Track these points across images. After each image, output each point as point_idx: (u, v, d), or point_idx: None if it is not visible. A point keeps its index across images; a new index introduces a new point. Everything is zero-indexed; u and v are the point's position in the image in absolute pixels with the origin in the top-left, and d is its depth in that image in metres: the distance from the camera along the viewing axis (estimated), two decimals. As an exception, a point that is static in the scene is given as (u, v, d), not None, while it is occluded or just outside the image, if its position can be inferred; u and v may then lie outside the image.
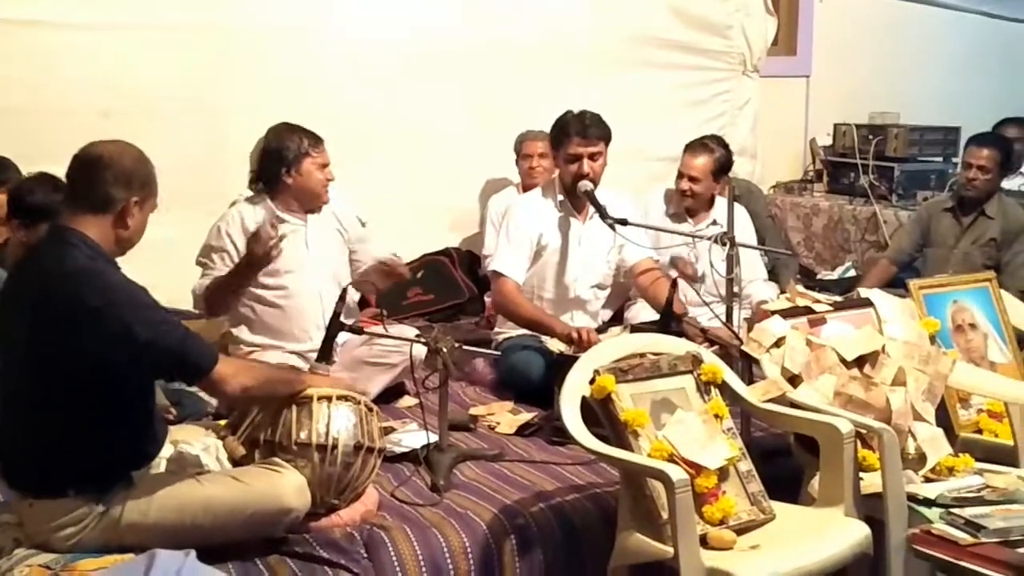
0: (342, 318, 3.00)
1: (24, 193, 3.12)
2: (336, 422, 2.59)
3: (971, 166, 4.32)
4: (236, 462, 2.60)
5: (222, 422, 2.85)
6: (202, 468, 2.54)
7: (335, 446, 2.56)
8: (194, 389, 3.04)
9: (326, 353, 2.85)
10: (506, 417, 3.48)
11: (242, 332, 3.50)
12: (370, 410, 2.70)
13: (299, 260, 3.46)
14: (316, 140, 3.50)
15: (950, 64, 6.41)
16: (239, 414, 2.70)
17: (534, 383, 3.59)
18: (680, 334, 3.22)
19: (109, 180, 2.30)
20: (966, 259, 4.26)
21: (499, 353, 3.69)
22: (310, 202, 3.52)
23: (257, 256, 3.21)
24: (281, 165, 3.45)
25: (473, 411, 3.54)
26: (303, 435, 2.55)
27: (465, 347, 3.18)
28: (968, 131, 4.76)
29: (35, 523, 2.32)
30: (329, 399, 2.61)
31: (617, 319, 4.25)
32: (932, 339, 3.07)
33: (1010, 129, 5.91)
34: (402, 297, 4.76)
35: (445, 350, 2.96)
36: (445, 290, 4.88)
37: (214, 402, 3.26)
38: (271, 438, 2.57)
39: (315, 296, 3.46)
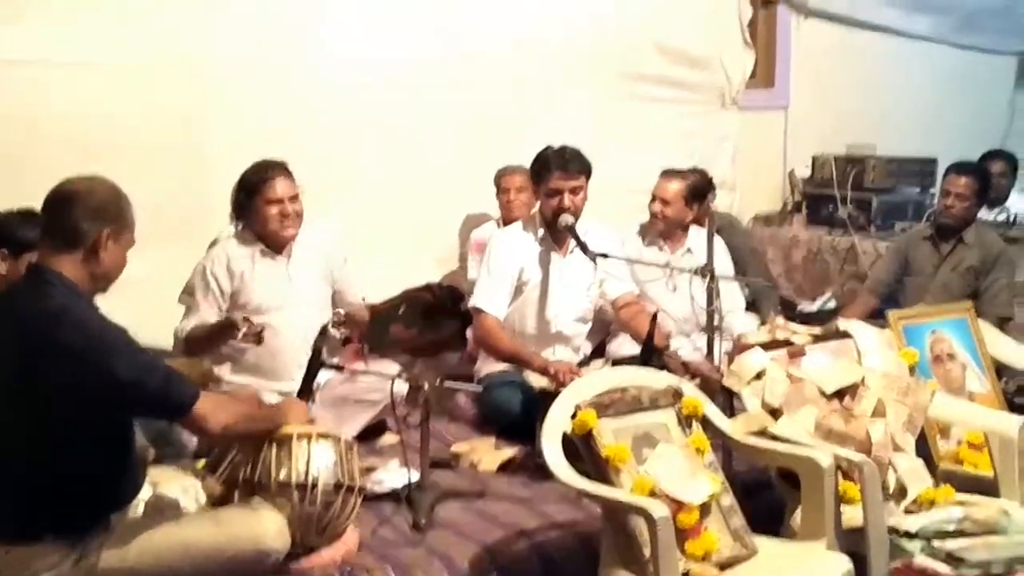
0: (325, 354, 2.99)
1: (10, 227, 3.10)
2: (316, 461, 2.58)
3: (949, 193, 4.36)
4: (215, 502, 2.58)
5: (201, 462, 2.82)
6: (180, 510, 2.52)
7: (315, 485, 2.54)
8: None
9: (306, 391, 2.84)
10: (488, 454, 3.46)
11: (223, 371, 3.48)
12: (350, 448, 2.69)
13: (281, 297, 3.45)
14: (267, 174, 3.42)
15: (925, 96, 6.49)
16: (218, 454, 2.68)
17: (516, 419, 3.58)
18: (662, 367, 3.22)
19: (79, 214, 2.30)
20: (945, 287, 4.29)
21: (480, 389, 3.68)
22: (270, 239, 3.50)
23: (233, 331, 3.22)
24: (244, 200, 3.44)
25: (455, 448, 3.53)
26: (283, 474, 2.53)
27: (446, 383, 3.17)
28: (944, 162, 4.81)
29: (11, 571, 2.29)
30: (309, 437, 2.60)
31: (599, 352, 4.25)
32: (911, 370, 3.09)
33: (995, 164, 6.00)
34: (384, 333, 4.74)
35: (426, 387, 2.95)
36: (427, 326, 4.86)
37: (195, 442, 3.23)
38: (250, 477, 2.55)
39: (298, 334, 3.44)
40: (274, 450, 2.56)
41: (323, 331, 3.00)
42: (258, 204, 3.43)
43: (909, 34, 6.40)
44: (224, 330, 3.28)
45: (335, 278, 3.63)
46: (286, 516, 2.48)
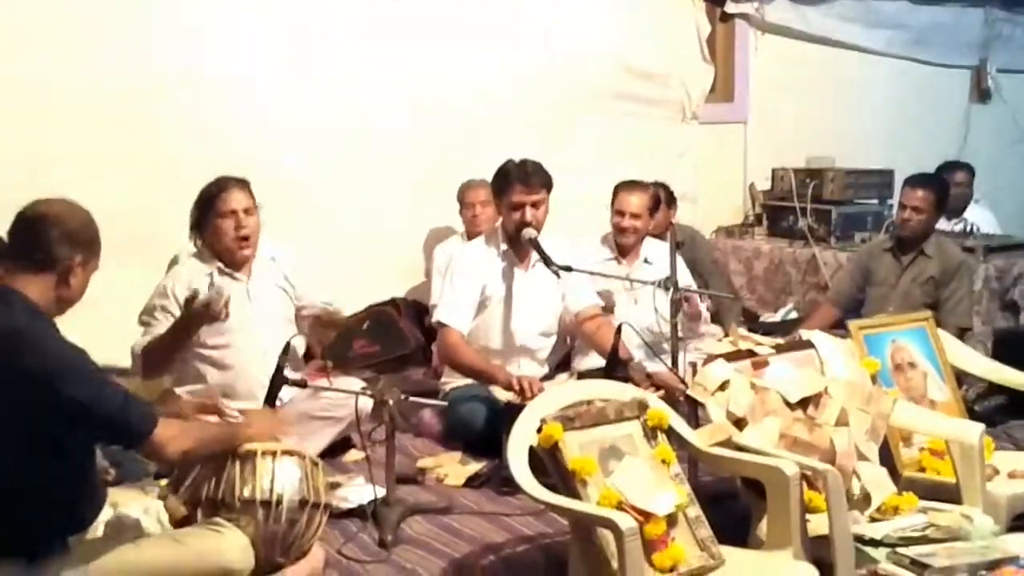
0: (288, 371, 2.96)
1: None
2: (281, 478, 2.54)
3: (906, 207, 4.42)
4: (178, 523, 2.54)
5: (163, 482, 2.78)
6: (142, 531, 2.48)
7: (279, 502, 2.51)
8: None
9: (269, 408, 2.80)
10: (454, 468, 3.45)
11: (184, 391, 3.43)
12: (315, 465, 2.66)
13: (242, 317, 3.42)
14: (221, 186, 3.39)
15: (882, 109, 6.59)
16: (180, 473, 2.63)
17: (482, 433, 3.57)
18: (626, 380, 3.22)
19: (54, 238, 2.27)
20: (906, 298, 4.34)
21: (446, 403, 3.67)
22: (227, 257, 3.46)
23: (200, 316, 3.16)
24: (200, 216, 3.41)
25: (421, 463, 3.51)
26: (246, 491, 2.50)
27: (411, 398, 3.15)
28: (902, 174, 4.88)
29: (-35, 593, 2.24)
30: (274, 454, 2.57)
31: (565, 366, 4.25)
32: (873, 379, 3.12)
33: (955, 174, 6.11)
34: (348, 348, 4.71)
35: (391, 402, 2.94)
36: (391, 341, 4.84)
37: (155, 461, 3.18)
38: (213, 495, 2.51)
39: (259, 353, 3.39)
40: (238, 467, 2.52)
41: (286, 348, 2.97)
42: (213, 218, 3.40)
43: (865, 49, 6.49)
44: (180, 330, 3.23)
45: (297, 295, 3.60)
46: (250, 534, 2.44)
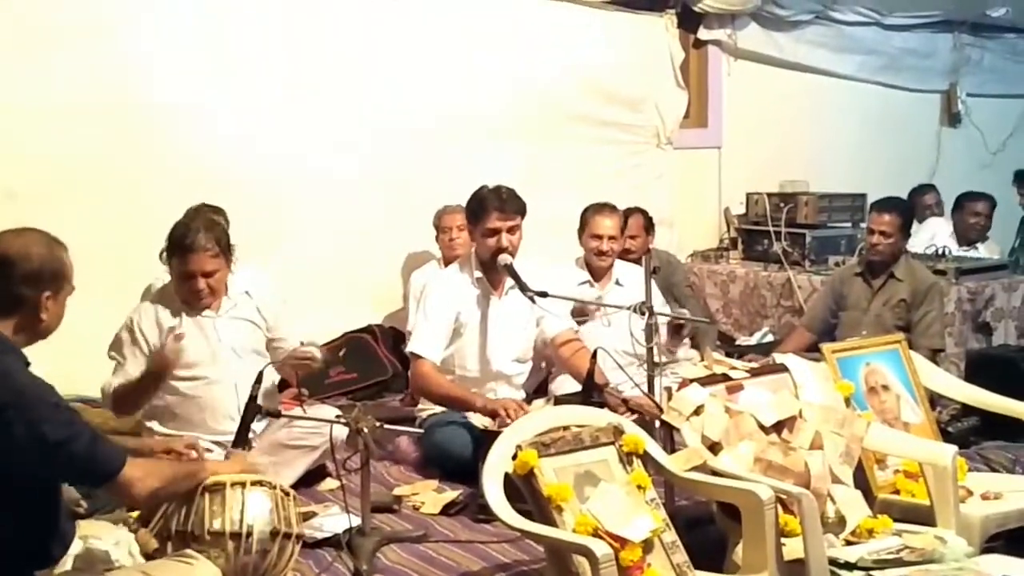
0: (262, 401, 2.94)
1: None
2: (251, 508, 2.52)
3: (874, 232, 4.46)
4: (149, 556, 2.51)
5: (134, 514, 2.75)
6: (112, 564, 2.45)
7: (250, 533, 2.48)
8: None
9: (242, 439, 2.79)
10: (431, 496, 3.43)
11: (155, 424, 3.41)
12: (287, 495, 2.63)
13: (211, 351, 3.40)
14: (187, 242, 3.28)
15: (855, 133, 6.67)
16: (152, 505, 2.61)
17: (459, 460, 3.55)
18: (602, 405, 3.22)
19: (17, 280, 2.22)
20: (878, 321, 4.37)
21: (422, 431, 3.65)
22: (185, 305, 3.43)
23: (163, 371, 3.17)
24: (169, 255, 3.36)
25: (397, 491, 3.49)
26: (216, 524, 2.47)
27: (387, 426, 3.13)
28: (875, 197, 4.93)
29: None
30: (243, 485, 2.54)
31: (542, 391, 4.25)
32: (847, 402, 3.13)
33: (928, 196, 6.20)
34: (324, 376, 4.70)
35: (366, 430, 2.92)
36: (368, 368, 4.83)
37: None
38: (183, 528, 2.48)
39: (229, 386, 3.37)
40: (207, 499, 2.50)
41: (259, 378, 2.95)
42: (176, 266, 3.36)
43: (837, 74, 6.58)
44: (149, 382, 3.22)
45: (270, 326, 3.56)
46: (221, 567, 2.41)
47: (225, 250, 3.38)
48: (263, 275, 3.65)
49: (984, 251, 5.74)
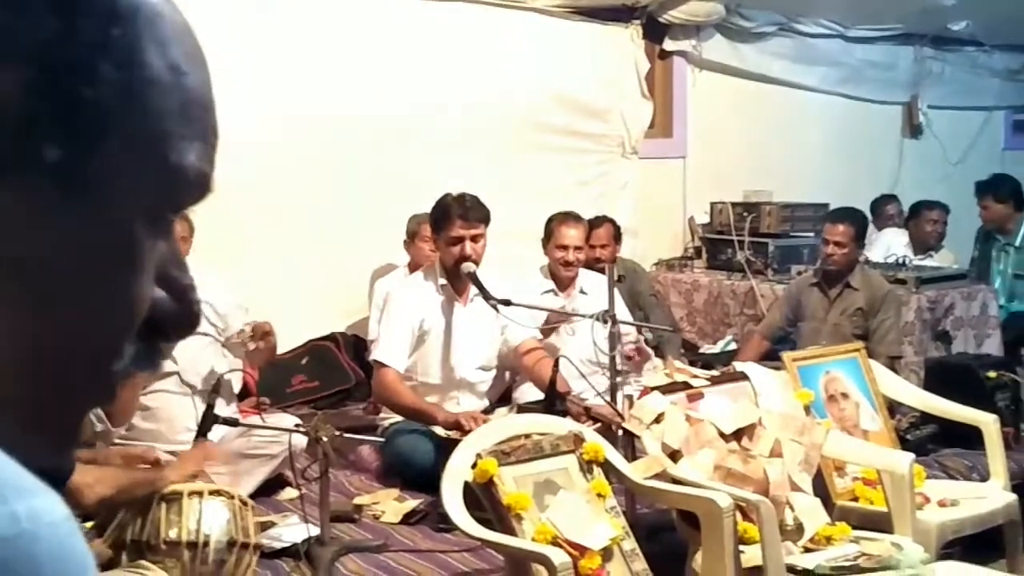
0: (221, 408, 2.91)
1: None
2: (208, 518, 2.50)
3: (828, 242, 4.51)
4: (103, 567, 2.47)
5: (88, 524, 2.71)
6: None
7: (207, 543, 2.46)
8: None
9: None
10: (391, 505, 3.40)
11: (109, 434, 3.36)
12: (245, 504, 2.61)
13: (167, 360, 3.35)
14: None
15: (818, 144, 6.73)
16: (106, 515, 2.58)
17: (420, 468, 3.53)
18: (564, 413, 3.23)
19: None
20: (836, 330, 4.41)
21: (382, 440, 3.63)
22: None
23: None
24: None
25: (358, 500, 3.46)
26: (172, 533, 2.45)
27: (346, 435, 3.11)
28: (837, 207, 4.98)
29: None
30: (201, 494, 2.52)
31: (506, 399, 4.24)
32: (807, 410, 3.15)
33: (890, 206, 6.29)
34: (286, 384, 4.66)
35: (325, 439, 2.90)
36: (331, 376, 4.79)
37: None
38: (138, 537, 2.46)
39: (186, 397, 3.33)
40: (163, 509, 2.48)
41: (216, 386, 2.92)
42: None
43: (801, 86, 6.64)
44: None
45: (222, 329, 3.52)
46: (176, 577, 2.39)
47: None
48: (222, 282, 3.60)
49: (939, 258, 5.83)
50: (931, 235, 5.94)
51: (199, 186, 0.52)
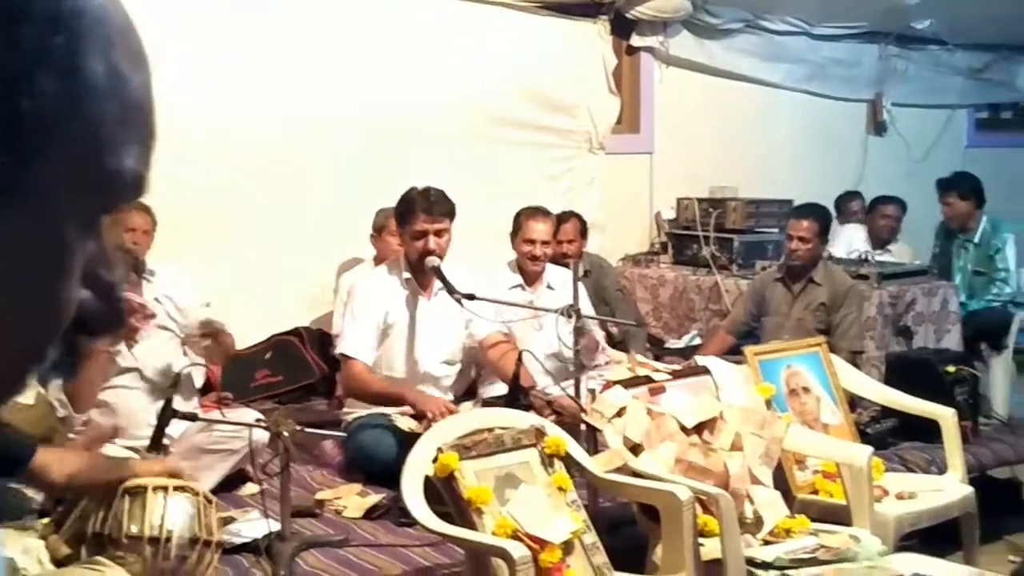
0: (179, 403, 2.89)
1: None
2: (171, 514, 2.47)
3: (792, 237, 4.55)
4: (59, 562, 2.45)
5: (46, 520, 2.68)
6: (18, 574, 2.38)
7: (169, 539, 2.43)
8: (13, 485, 2.85)
9: (157, 443, 2.74)
10: (354, 500, 3.40)
11: (71, 420, 3.32)
12: (209, 501, 2.59)
13: (123, 356, 3.32)
14: None
15: (783, 140, 6.78)
16: (64, 510, 2.55)
17: (383, 463, 3.51)
18: (528, 407, 3.23)
19: None
20: (800, 325, 4.45)
21: (345, 435, 3.62)
22: None
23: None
24: None
25: (320, 495, 3.45)
26: (134, 528, 2.42)
27: (308, 429, 3.10)
28: (801, 203, 5.01)
29: None
30: (165, 489, 2.49)
31: (471, 393, 4.24)
32: (768, 404, 3.18)
33: (854, 202, 6.36)
34: (250, 379, 4.63)
35: (286, 434, 2.88)
36: (295, 371, 4.77)
37: (39, 498, 3.06)
38: (100, 530, 2.42)
39: (145, 392, 3.30)
40: (126, 502, 2.44)
41: (175, 381, 2.90)
42: None
43: (766, 82, 6.68)
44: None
45: (182, 325, 3.48)
46: (136, 572, 2.36)
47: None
48: (183, 278, 3.57)
49: (896, 252, 5.91)
50: (884, 229, 6.05)
51: (134, 188, 0.52)
